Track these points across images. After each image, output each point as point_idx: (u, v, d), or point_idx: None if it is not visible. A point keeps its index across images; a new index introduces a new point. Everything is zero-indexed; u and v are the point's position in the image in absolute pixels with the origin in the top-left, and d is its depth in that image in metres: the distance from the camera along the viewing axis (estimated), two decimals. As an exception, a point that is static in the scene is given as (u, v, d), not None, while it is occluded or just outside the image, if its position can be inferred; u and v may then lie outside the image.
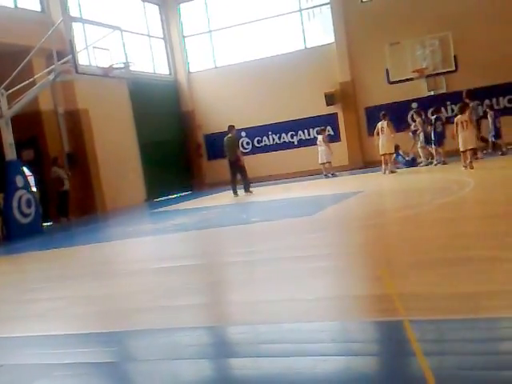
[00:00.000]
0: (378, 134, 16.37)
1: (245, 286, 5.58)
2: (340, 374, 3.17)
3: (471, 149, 13.76)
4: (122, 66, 14.65)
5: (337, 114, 20.19)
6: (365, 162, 19.82)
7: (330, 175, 18.22)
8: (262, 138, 21.58)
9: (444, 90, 18.71)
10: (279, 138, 21.44)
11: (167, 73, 22.73)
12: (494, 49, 17.85)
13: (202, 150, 22.54)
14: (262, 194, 16.45)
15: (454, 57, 17.47)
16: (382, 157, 16.40)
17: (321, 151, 18.16)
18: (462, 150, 13.75)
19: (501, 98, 18.18)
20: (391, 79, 17.93)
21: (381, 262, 5.79)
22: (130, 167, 19.37)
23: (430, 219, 7.89)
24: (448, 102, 18.78)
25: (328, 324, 4.06)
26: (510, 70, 17.69)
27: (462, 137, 13.58)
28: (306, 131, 20.99)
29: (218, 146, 21.94)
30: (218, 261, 7.44)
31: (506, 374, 2.87)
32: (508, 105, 17.87)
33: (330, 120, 20.05)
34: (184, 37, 22.79)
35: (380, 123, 16.32)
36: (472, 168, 13.40)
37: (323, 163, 18.33)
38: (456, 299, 4.08)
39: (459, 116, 13.82)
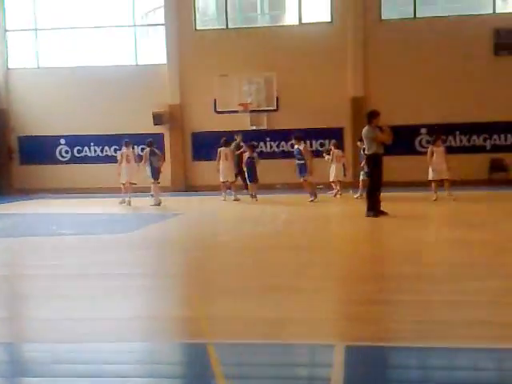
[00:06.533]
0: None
1: (48, 301, 5.29)
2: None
3: None
4: None
5: (163, 134, 20.18)
6: (187, 186, 19.98)
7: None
8: (82, 148, 20.71)
9: (265, 127, 19.78)
10: (101, 151, 20.76)
11: (-18, 65, 20.91)
12: (313, 95, 19.29)
13: (14, 153, 20.95)
14: (78, 205, 15.80)
15: (277, 97, 18.61)
16: (223, 183, 15.43)
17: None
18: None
19: (313, 141, 19.61)
20: (218, 109, 18.49)
21: (193, 285, 5.90)
22: None
23: (246, 247, 8.22)
24: (268, 138, 19.86)
25: (135, 344, 4.03)
26: (324, 117, 19.20)
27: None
28: (130, 148, 20.59)
29: (33, 149, 20.63)
30: (19, 273, 6.95)
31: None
32: (319, 148, 19.22)
33: (156, 140, 19.95)
34: (6, 30, 21.21)
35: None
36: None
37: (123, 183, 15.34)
38: (260, 325, 4.31)
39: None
